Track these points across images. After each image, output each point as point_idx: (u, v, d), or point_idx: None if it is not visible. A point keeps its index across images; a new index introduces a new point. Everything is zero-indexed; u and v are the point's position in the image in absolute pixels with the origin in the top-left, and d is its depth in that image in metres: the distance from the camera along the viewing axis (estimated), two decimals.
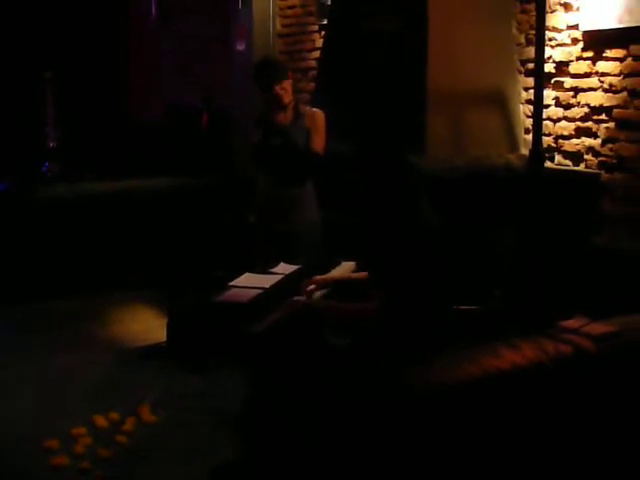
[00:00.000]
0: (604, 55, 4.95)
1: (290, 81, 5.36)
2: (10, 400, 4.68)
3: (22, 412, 4.54)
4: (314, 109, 5.44)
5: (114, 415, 4.43)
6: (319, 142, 5.29)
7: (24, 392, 4.80)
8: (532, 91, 4.94)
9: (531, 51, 5.13)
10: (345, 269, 4.34)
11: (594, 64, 5.02)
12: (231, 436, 4.05)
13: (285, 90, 5.29)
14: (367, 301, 3.61)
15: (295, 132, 5.28)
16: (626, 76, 4.82)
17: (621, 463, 3.04)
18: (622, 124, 4.87)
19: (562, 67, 5.25)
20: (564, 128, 5.27)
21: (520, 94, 5.61)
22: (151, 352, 5.41)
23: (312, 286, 4.01)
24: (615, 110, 4.90)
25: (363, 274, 4.04)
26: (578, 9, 5.09)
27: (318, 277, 4.08)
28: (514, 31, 5.61)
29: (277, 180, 5.38)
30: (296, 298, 3.93)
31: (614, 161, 4.93)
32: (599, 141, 5.02)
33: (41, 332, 5.81)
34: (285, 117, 5.36)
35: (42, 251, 6.61)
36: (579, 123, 5.16)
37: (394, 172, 3.59)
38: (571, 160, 5.23)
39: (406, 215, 3.53)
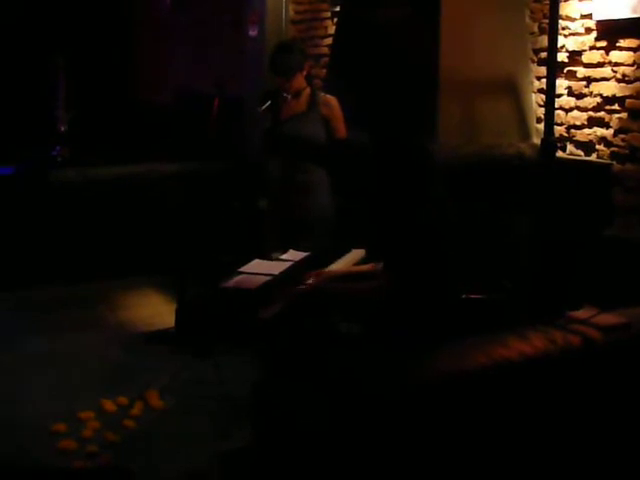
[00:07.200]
0: (617, 45, 4.92)
1: (302, 74, 5.24)
2: (18, 383, 4.70)
3: (30, 395, 4.55)
4: (328, 95, 5.37)
5: (122, 399, 4.44)
6: (341, 129, 5.26)
7: (32, 375, 4.81)
8: (544, 80, 4.92)
9: (544, 40, 5.11)
10: (354, 257, 4.33)
11: (607, 54, 4.99)
12: (240, 422, 4.05)
13: (291, 85, 5.20)
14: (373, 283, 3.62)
15: (308, 121, 5.23)
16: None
17: (629, 455, 3.03)
18: (635, 114, 4.84)
19: (575, 56, 5.22)
20: (576, 118, 5.24)
21: (532, 83, 5.58)
22: (159, 337, 5.41)
23: (314, 279, 3.98)
24: (628, 100, 4.87)
25: (366, 266, 4.03)
26: None
27: (320, 271, 4.06)
28: (527, 20, 5.58)
29: (292, 167, 5.32)
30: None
31: (626, 151, 4.90)
32: (611, 131, 4.99)
33: (50, 317, 5.82)
34: (299, 104, 5.30)
35: (52, 235, 6.62)
36: (591, 113, 5.13)
37: (409, 156, 3.59)
38: (583, 150, 5.21)
39: (420, 199, 3.53)
